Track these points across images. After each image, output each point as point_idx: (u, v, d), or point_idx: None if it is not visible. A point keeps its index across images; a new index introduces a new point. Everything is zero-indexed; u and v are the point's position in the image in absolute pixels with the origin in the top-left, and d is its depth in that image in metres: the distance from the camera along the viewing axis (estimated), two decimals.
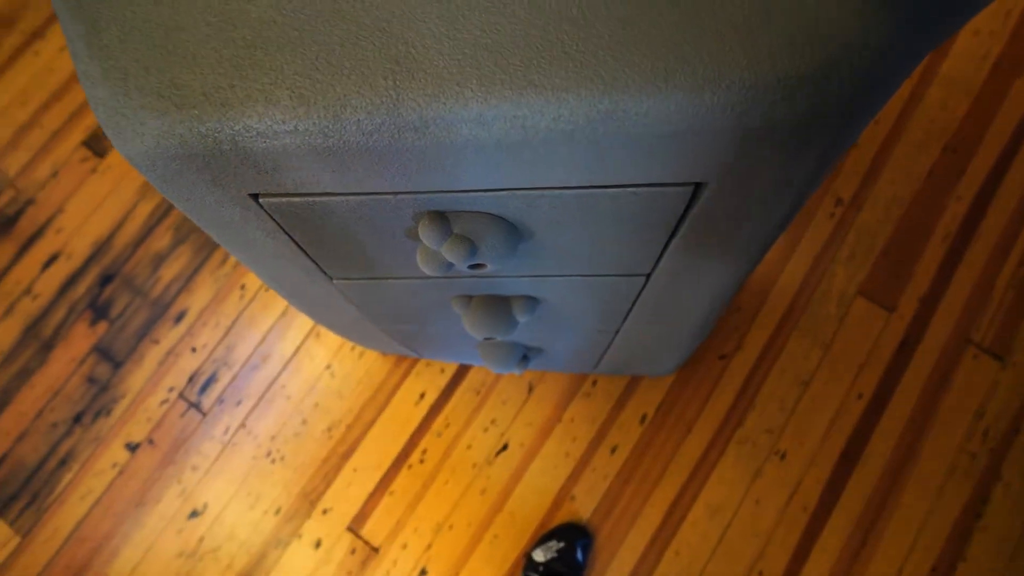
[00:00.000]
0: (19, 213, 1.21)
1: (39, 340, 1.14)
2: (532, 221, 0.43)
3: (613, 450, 1.05)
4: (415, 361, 1.10)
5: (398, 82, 0.31)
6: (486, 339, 0.64)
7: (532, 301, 0.61)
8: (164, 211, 1.19)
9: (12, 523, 1.06)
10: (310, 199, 0.40)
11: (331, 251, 0.50)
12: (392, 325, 0.74)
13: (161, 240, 1.18)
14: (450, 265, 0.45)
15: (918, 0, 0.29)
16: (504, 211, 0.42)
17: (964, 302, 1.08)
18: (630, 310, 0.65)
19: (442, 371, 1.10)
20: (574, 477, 1.04)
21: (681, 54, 0.29)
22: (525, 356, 0.82)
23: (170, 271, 1.17)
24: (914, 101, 1.19)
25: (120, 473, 1.08)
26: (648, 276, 0.56)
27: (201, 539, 1.04)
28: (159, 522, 1.05)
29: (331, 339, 1.12)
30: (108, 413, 1.10)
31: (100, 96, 0.34)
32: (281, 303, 1.14)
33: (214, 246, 1.17)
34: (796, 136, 0.32)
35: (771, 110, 0.30)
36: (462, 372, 1.09)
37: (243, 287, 1.15)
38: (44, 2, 1.29)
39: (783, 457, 1.03)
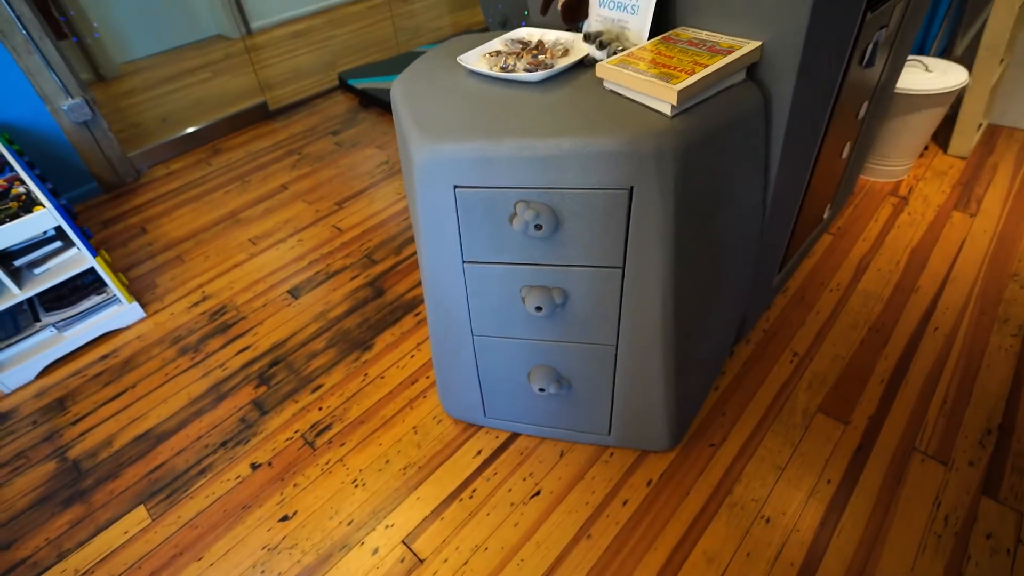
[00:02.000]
0: (234, 323, 1.84)
1: (217, 393, 1.63)
2: (562, 209, 1.00)
3: (624, 503, 1.29)
4: (477, 429, 1.47)
5: (523, 131, 0.95)
6: (536, 309, 1.11)
7: (561, 291, 1.11)
8: (326, 328, 1.79)
9: (149, 509, 1.36)
10: (476, 190, 1.01)
11: (471, 234, 1.07)
12: (484, 331, 1.22)
13: (318, 344, 1.74)
14: (526, 224, 1.00)
15: (691, 115, 0.93)
16: (550, 200, 1.00)
17: (906, 421, 1.39)
18: (620, 314, 1.13)
19: (496, 437, 1.45)
20: (592, 520, 1.26)
21: (609, 128, 0.92)
22: (559, 379, 1.24)
23: (318, 361, 1.69)
24: (842, 303, 1.72)
25: (240, 483, 1.40)
26: (623, 270, 1.07)
27: (284, 537, 1.29)
28: (256, 521, 1.32)
29: (420, 411, 1.53)
30: (246, 442, 1.49)
31: (418, 141, 1.00)
32: (387, 387, 1.60)
33: (352, 349, 1.71)
34: (654, 163, 0.92)
35: (638, 151, 0.91)
36: (512, 439, 1.44)
37: (365, 375, 1.64)
38: None
39: (768, 521, 1.23)
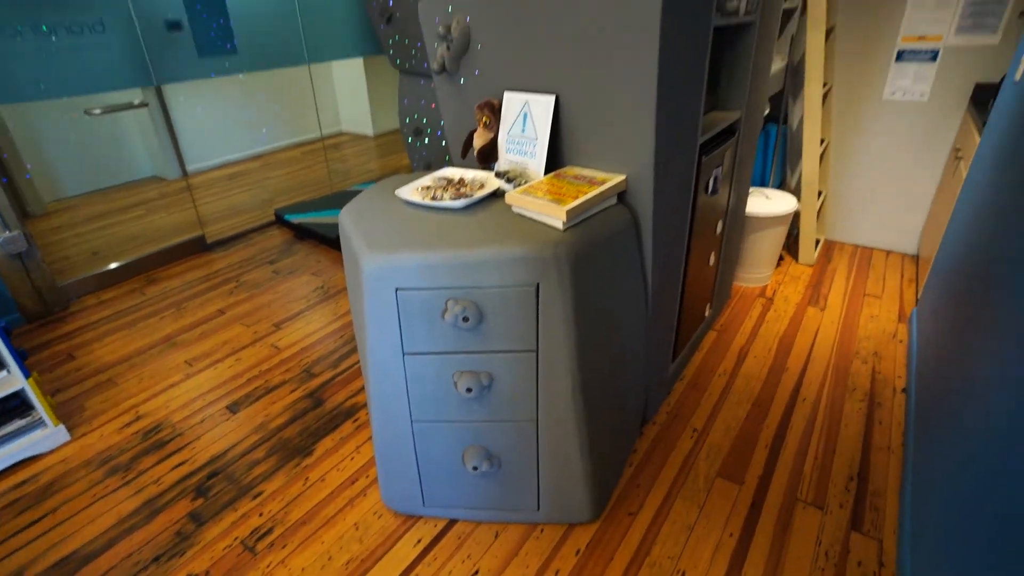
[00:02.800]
0: (169, 439, 1.86)
1: (151, 509, 1.61)
2: (484, 303, 1.25)
3: (556, 572, 1.40)
4: (417, 519, 1.56)
5: (452, 244, 1.22)
6: (467, 390, 1.30)
7: (488, 374, 1.32)
8: (266, 438, 1.85)
9: None
10: (414, 291, 1.24)
11: (410, 329, 1.28)
12: (422, 416, 1.38)
13: (258, 454, 1.79)
14: (456, 317, 1.23)
15: (571, 247, 1.24)
16: (475, 297, 1.24)
17: (788, 476, 1.63)
18: (538, 392, 1.34)
19: (435, 525, 1.54)
20: None
21: (518, 240, 1.21)
22: (490, 457, 1.40)
23: (259, 470, 1.73)
24: (729, 385, 2.02)
25: None
26: (537, 352, 1.30)
27: None
28: None
29: (361, 508, 1.59)
30: (182, 555, 1.48)
31: (367, 254, 1.24)
32: (328, 489, 1.66)
33: (293, 455, 1.78)
34: (553, 264, 1.20)
35: (541, 255, 1.20)
36: (450, 525, 1.53)
37: (306, 479, 1.70)
38: None
39: (683, 574, 1.38)
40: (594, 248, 1.28)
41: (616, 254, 1.36)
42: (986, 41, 2.46)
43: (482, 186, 1.47)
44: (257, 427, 1.91)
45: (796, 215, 2.88)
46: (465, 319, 1.24)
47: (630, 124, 1.30)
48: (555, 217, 1.24)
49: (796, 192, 2.85)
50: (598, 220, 1.32)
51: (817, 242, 3.09)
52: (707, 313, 2.23)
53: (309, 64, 3.65)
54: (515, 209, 1.35)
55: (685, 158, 1.50)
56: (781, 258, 2.97)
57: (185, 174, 4.56)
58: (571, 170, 1.44)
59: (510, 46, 1.45)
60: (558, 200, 1.26)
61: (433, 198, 1.41)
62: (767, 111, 2.59)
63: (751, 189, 2.73)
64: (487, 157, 1.56)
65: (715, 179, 1.79)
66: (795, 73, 2.63)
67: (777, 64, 2.44)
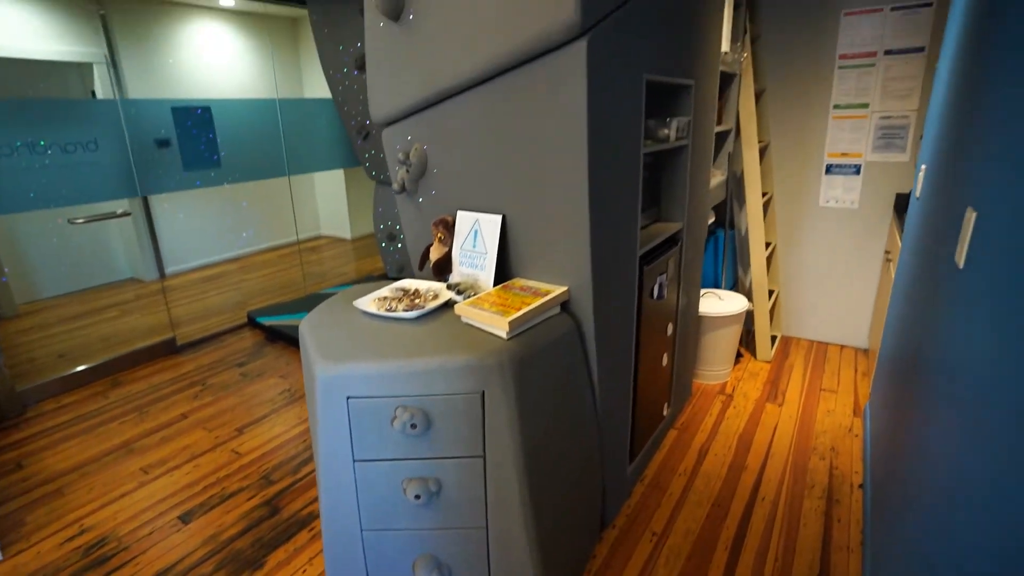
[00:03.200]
0: (113, 555, 1.78)
1: None
2: (432, 410, 1.30)
3: None
4: None
5: (402, 354, 1.29)
6: (416, 497, 1.31)
7: (436, 480, 1.34)
8: (216, 550, 1.79)
9: None
10: (365, 399, 1.29)
11: (361, 436, 1.31)
12: (373, 524, 1.37)
13: (206, 568, 1.73)
14: (404, 424, 1.28)
15: (512, 353, 1.32)
16: (423, 405, 1.30)
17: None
18: (486, 498, 1.35)
19: None
20: None
21: (464, 349, 1.29)
22: (439, 566, 1.39)
23: None
24: (689, 484, 2.04)
25: None
26: (484, 458, 1.34)
27: None
28: None
29: None
30: None
31: (320, 363, 1.30)
32: None
33: (243, 569, 1.71)
34: (497, 372, 1.28)
35: (485, 364, 1.28)
36: None
37: None
38: None
39: None
40: (538, 355, 1.36)
41: (561, 360, 1.44)
42: (898, 158, 2.76)
43: (435, 297, 1.56)
44: (208, 538, 1.85)
45: (751, 314, 3.03)
46: (413, 426, 1.28)
47: (569, 241, 1.43)
48: (499, 328, 1.33)
49: (751, 292, 3.01)
50: (542, 328, 1.40)
51: (774, 338, 3.22)
52: (666, 412, 2.29)
53: (289, 176, 3.88)
54: (464, 319, 1.43)
55: (625, 268, 1.63)
56: (740, 355, 3.08)
57: (163, 276, 4.65)
58: (518, 282, 1.55)
59: (462, 171, 1.61)
60: (503, 311, 1.35)
61: (388, 309, 1.50)
62: (712, 219, 2.81)
63: (705, 291, 2.88)
64: (442, 270, 1.67)
65: (660, 285, 1.92)
66: (739, 183, 2.88)
67: (717, 178, 2.69)
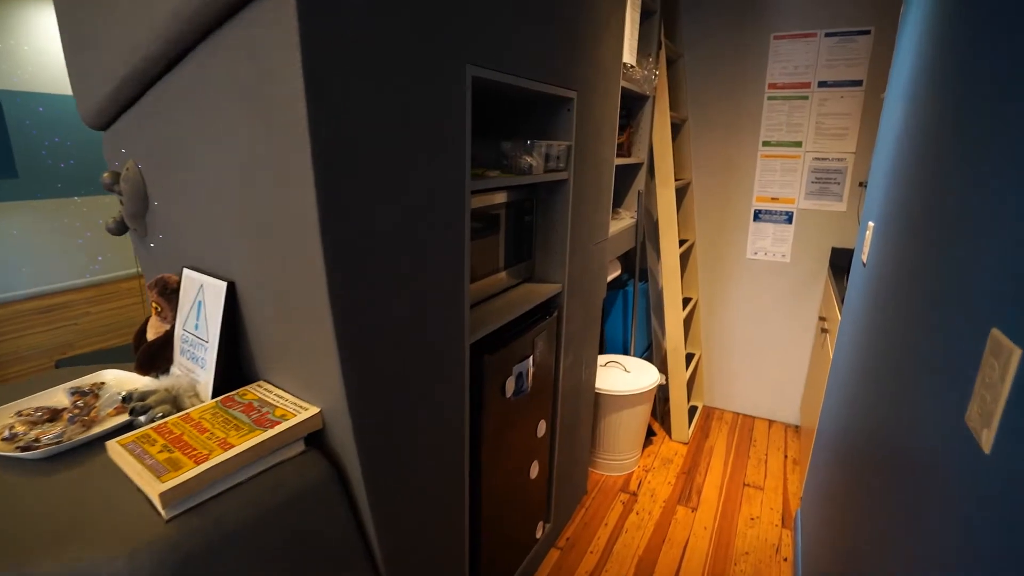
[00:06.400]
0: None
1: None
2: None
3: None
4: None
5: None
6: None
7: None
8: None
9: None
10: None
11: None
12: None
13: None
14: None
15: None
16: None
17: None
18: None
19: None
20: None
21: (89, 539, 0.67)
22: None
23: None
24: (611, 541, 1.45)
25: None
26: None
27: None
28: None
29: None
30: None
31: None
32: None
33: None
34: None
35: (115, 570, 0.66)
36: None
37: None
38: None
39: None
40: (244, 539, 0.75)
41: (290, 535, 0.83)
42: (834, 207, 2.35)
43: (109, 415, 0.93)
44: None
45: (664, 387, 2.53)
46: None
47: (313, 332, 0.84)
48: (154, 498, 0.72)
49: (666, 358, 2.51)
50: (261, 485, 0.80)
51: (693, 410, 2.73)
52: (540, 533, 1.71)
53: None
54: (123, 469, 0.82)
55: (439, 365, 1.06)
56: (653, 433, 2.56)
57: None
58: (252, 392, 0.95)
59: (183, 206, 1.01)
60: (174, 462, 0.75)
61: (11, 436, 0.86)
62: (618, 272, 2.30)
63: (608, 359, 2.36)
64: (154, 360, 1.05)
65: (520, 376, 1.36)
66: (655, 228, 2.40)
67: (624, 221, 2.19)
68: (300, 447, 0.88)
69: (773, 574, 1.72)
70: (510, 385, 1.32)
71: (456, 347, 1.07)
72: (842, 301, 1.85)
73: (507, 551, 1.47)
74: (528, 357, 1.39)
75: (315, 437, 0.91)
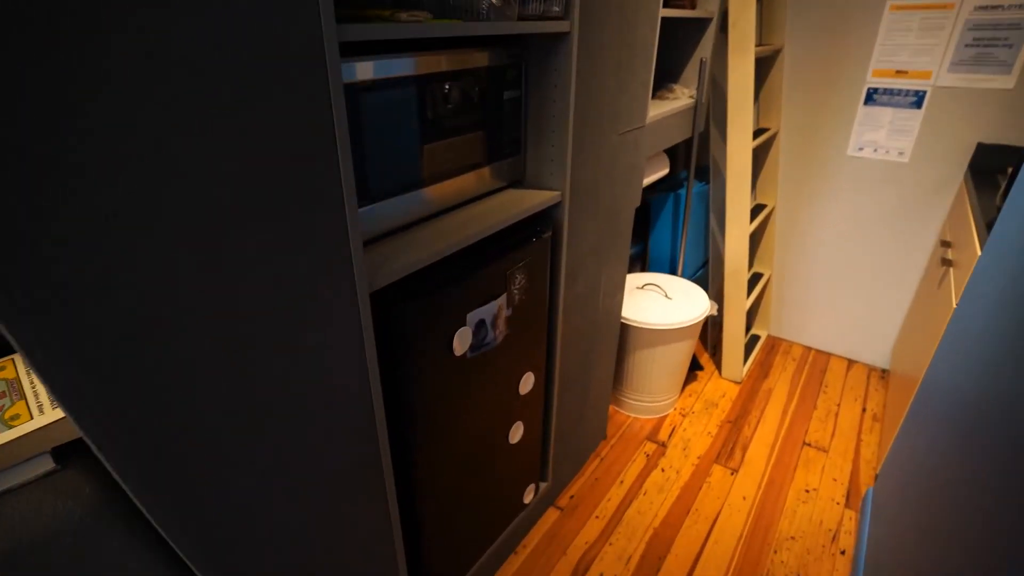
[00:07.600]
0: None
1: None
2: None
3: None
4: None
5: None
6: None
7: None
8: None
9: None
10: None
11: None
12: None
13: None
14: None
15: None
16: None
17: None
18: None
19: None
20: None
21: None
22: None
23: None
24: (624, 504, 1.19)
25: None
26: None
27: None
28: None
29: None
30: None
31: None
32: None
33: None
34: None
35: None
36: None
37: None
38: None
39: None
40: None
41: None
42: (994, 83, 1.64)
43: None
44: None
45: (715, 318, 2.06)
46: None
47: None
48: None
49: (724, 282, 2.03)
50: None
51: (756, 340, 2.26)
52: (530, 499, 1.41)
53: None
54: None
55: (301, 325, 0.68)
56: (699, 367, 2.14)
57: None
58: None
59: None
60: None
61: None
62: (664, 172, 1.77)
63: (645, 280, 1.91)
64: None
65: (482, 325, 0.97)
66: (724, 112, 1.81)
67: (681, 99, 1.63)
68: (50, 465, 0.55)
69: (823, 571, 1.36)
70: (462, 339, 0.93)
71: (330, 296, 0.68)
72: (989, 224, 1.28)
73: (476, 529, 1.18)
74: (497, 298, 0.99)
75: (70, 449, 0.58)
